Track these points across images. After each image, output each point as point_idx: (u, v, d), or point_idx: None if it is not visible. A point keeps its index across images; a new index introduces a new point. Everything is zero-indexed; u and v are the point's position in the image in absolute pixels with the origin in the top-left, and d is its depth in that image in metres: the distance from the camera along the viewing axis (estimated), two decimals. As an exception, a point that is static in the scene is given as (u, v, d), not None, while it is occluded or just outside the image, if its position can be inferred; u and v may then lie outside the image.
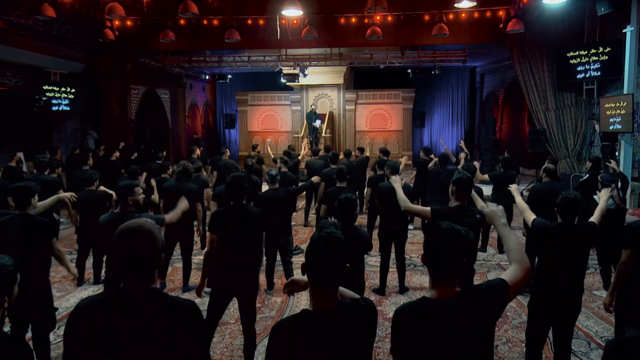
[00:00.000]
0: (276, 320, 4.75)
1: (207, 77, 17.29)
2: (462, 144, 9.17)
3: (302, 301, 5.15)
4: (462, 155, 8.02)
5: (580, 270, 3.26)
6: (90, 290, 5.59)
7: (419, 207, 3.68)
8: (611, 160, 6.87)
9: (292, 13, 9.39)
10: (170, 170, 6.96)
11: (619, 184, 5.54)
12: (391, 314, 4.75)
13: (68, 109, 11.23)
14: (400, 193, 3.87)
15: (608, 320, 4.46)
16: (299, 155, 9.72)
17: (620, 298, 3.33)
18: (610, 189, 3.84)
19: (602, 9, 8.27)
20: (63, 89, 11.04)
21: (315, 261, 1.69)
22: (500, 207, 2.24)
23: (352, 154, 9.53)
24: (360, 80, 17.82)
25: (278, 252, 5.60)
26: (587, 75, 9.78)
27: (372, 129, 17.20)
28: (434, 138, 18.40)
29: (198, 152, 9.54)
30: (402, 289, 5.52)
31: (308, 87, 16.60)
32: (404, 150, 16.83)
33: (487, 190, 7.00)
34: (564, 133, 10.90)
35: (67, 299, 5.36)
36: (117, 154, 9.55)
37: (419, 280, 5.91)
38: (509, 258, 1.96)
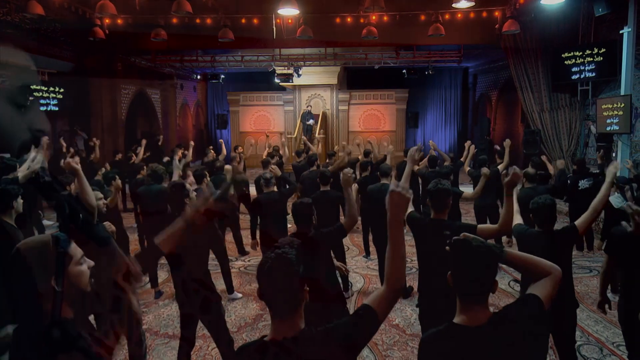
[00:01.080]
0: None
1: (198, 76, 17.07)
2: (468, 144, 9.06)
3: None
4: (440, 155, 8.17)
5: (565, 276, 3.14)
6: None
7: None
8: (628, 161, 6.87)
9: (289, 12, 9.26)
10: (144, 171, 6.86)
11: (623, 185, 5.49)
12: (397, 320, 4.78)
13: (56, 109, 10.99)
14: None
15: (618, 325, 4.38)
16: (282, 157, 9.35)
17: (621, 308, 3.28)
18: (625, 189, 3.79)
19: (600, 9, 8.28)
20: (51, 88, 10.80)
21: (264, 287, 1.50)
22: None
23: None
24: (353, 80, 17.72)
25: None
26: (582, 76, 9.80)
27: (366, 130, 17.12)
28: (427, 139, 18.39)
29: (180, 154, 9.31)
30: (405, 293, 5.42)
31: (301, 87, 16.46)
32: (397, 151, 16.77)
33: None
34: (558, 134, 10.92)
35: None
36: (97, 155, 9.17)
37: (422, 284, 5.80)
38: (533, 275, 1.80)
